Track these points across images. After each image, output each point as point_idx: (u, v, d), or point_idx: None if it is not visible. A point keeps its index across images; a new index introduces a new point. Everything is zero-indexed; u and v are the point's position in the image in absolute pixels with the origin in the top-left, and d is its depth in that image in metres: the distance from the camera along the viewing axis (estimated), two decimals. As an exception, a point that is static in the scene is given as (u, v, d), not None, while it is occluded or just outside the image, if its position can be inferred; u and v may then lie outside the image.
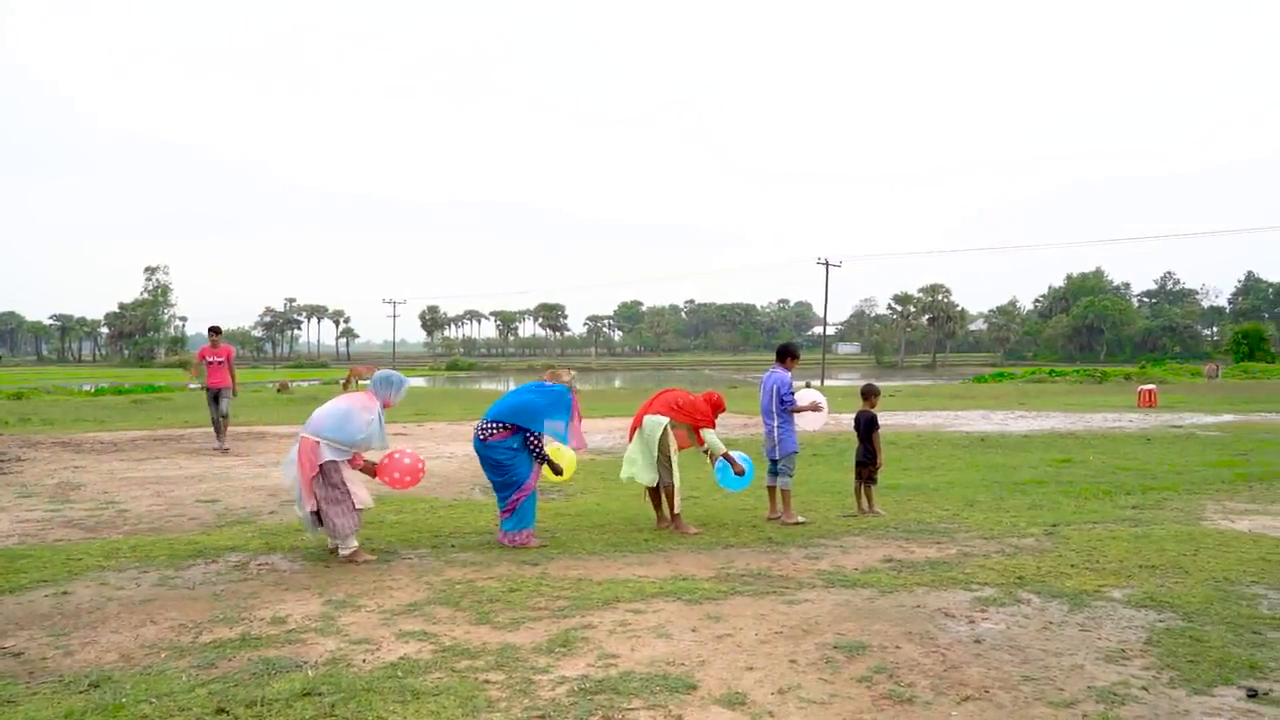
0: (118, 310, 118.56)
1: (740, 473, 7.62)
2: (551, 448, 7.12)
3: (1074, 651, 4.23)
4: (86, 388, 38.86)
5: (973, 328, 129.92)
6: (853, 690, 3.75)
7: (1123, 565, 5.94)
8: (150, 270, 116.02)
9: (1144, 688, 3.77)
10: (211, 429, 13.61)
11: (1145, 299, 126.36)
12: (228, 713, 3.47)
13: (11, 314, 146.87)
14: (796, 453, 7.93)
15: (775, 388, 7.86)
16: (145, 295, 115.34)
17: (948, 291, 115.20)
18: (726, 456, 7.59)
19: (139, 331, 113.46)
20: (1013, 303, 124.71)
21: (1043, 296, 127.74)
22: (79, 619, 4.80)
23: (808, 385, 40.25)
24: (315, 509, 6.16)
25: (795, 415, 7.93)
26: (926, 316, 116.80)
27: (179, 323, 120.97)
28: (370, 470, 6.51)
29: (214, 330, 13.79)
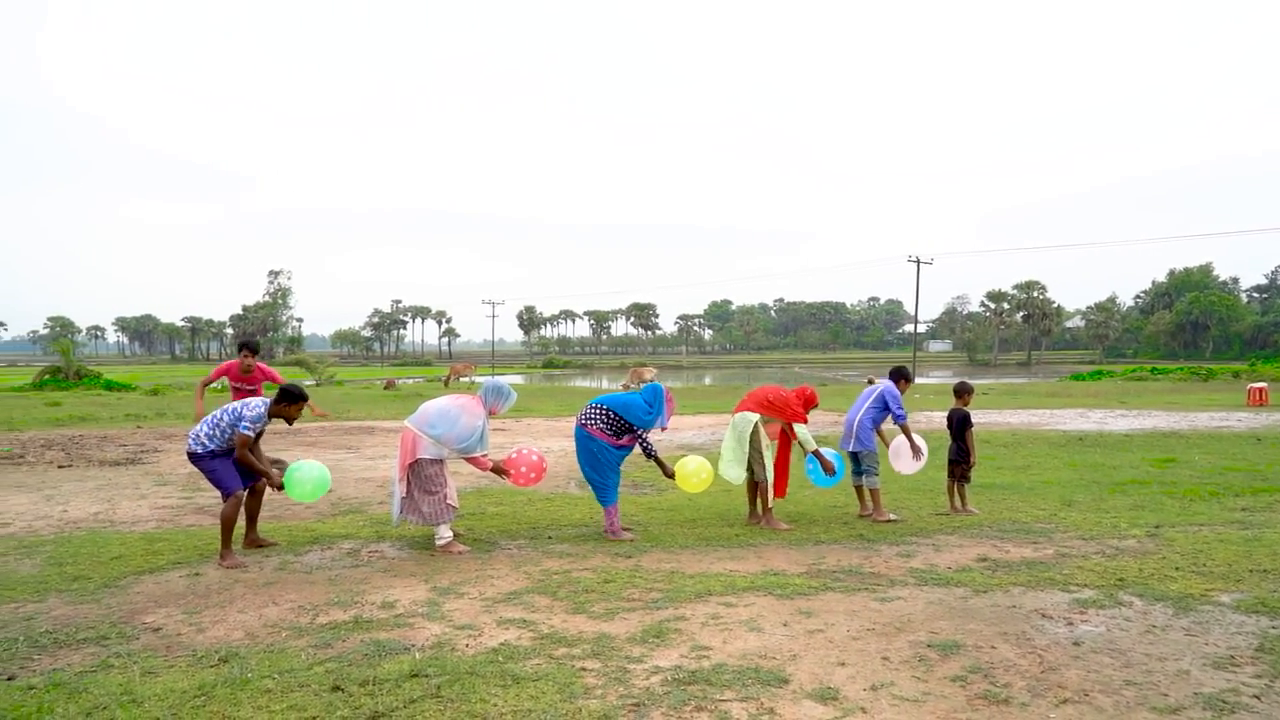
0: (241, 312, 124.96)
1: (830, 471, 7.63)
2: (684, 459, 7.35)
3: (1179, 656, 4.12)
4: (214, 385, 40.84)
5: (1070, 325, 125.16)
6: (947, 689, 3.73)
7: (1232, 569, 5.73)
8: (274, 274, 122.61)
9: (1256, 696, 3.65)
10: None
11: (1255, 294, 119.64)
12: (343, 690, 3.68)
13: (149, 316, 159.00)
14: (875, 451, 7.91)
15: (886, 396, 7.89)
16: (266, 298, 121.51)
17: (1043, 288, 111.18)
18: (816, 454, 7.60)
19: (260, 332, 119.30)
20: (1112, 299, 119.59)
21: (1144, 292, 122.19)
22: (209, 598, 5.14)
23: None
24: (406, 494, 6.40)
25: (892, 449, 7.99)
26: (1021, 313, 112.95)
27: (296, 323, 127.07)
28: (501, 470, 6.71)
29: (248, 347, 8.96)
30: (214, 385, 8.94)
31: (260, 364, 8.96)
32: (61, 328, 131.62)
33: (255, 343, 8.99)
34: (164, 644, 4.34)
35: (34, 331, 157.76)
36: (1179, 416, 19.84)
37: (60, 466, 11.45)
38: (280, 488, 6.30)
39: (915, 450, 7.90)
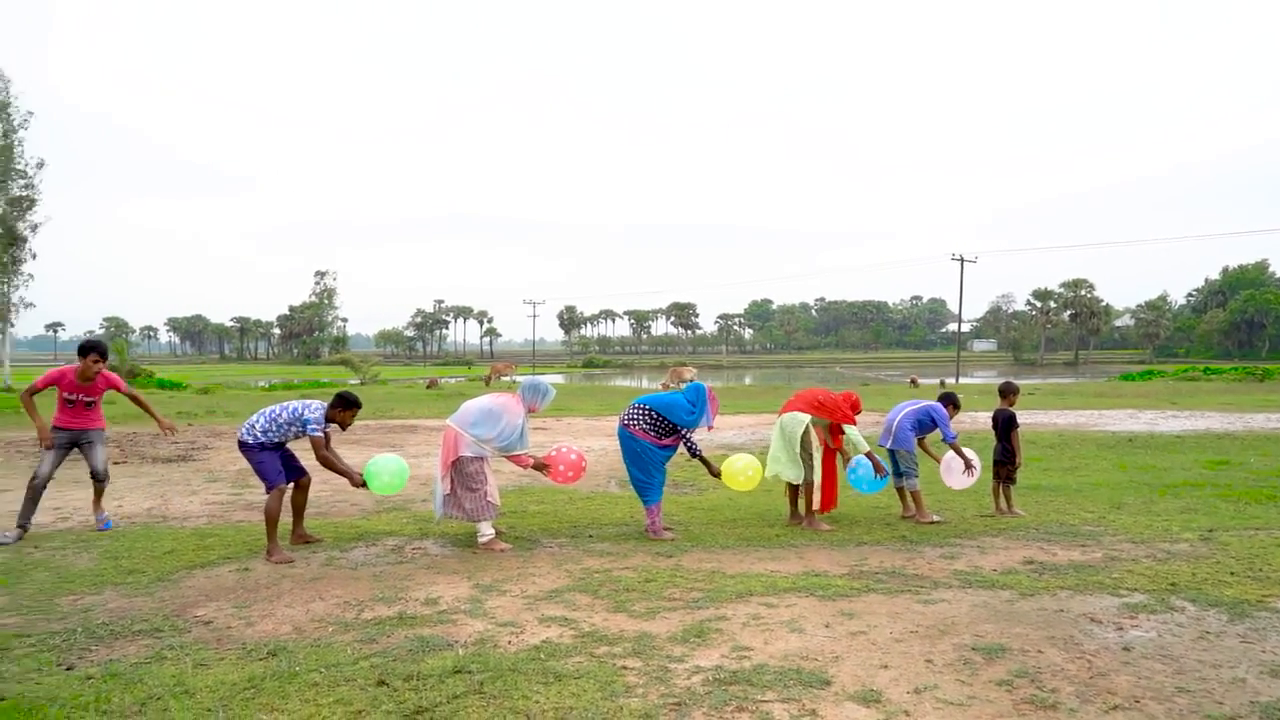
0: (288, 313, 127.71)
1: (882, 472, 7.58)
2: (733, 458, 7.35)
3: (1235, 664, 4.03)
4: (262, 384, 41.89)
5: (1119, 324, 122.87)
6: (992, 693, 3.68)
7: (1289, 575, 5.59)
8: (320, 274, 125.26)
9: (1314, 705, 3.56)
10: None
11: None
12: (387, 685, 3.74)
13: (199, 317, 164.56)
14: (913, 452, 7.83)
15: (933, 413, 7.85)
16: (313, 298, 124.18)
17: (1091, 286, 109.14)
18: (869, 455, 7.55)
19: (306, 332, 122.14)
20: (1163, 297, 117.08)
21: (1196, 290, 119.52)
22: (258, 593, 5.25)
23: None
24: (449, 492, 6.48)
25: (944, 465, 7.95)
26: (1068, 312, 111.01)
27: (341, 323, 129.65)
28: (541, 466, 6.77)
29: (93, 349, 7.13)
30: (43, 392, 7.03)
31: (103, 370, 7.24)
32: (116, 328, 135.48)
33: (105, 346, 7.28)
34: (215, 637, 4.44)
35: (90, 331, 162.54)
36: (1233, 417, 19.35)
37: (115, 463, 11.74)
38: (362, 484, 6.42)
39: (968, 465, 7.81)
